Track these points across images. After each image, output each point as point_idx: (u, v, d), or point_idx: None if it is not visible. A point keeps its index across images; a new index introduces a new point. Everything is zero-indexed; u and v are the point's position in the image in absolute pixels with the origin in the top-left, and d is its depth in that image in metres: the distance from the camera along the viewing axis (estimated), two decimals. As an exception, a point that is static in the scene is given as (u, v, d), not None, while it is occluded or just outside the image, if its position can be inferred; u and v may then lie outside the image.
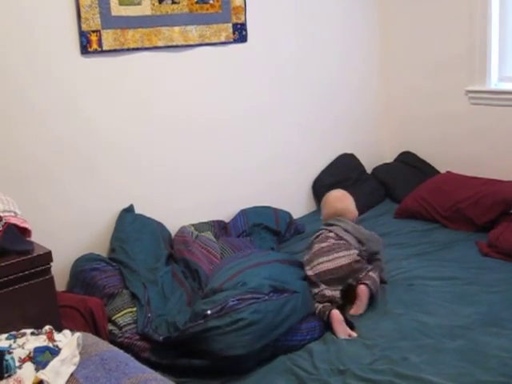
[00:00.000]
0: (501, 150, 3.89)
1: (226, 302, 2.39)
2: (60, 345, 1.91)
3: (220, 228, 3.52)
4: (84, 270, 2.91)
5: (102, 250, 3.13)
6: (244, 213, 3.61)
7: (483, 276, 2.97)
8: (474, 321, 2.55)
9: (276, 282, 2.60)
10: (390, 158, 4.52)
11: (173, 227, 3.37)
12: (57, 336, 1.96)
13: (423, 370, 2.22)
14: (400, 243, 3.46)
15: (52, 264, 2.22)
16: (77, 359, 1.87)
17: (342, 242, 2.92)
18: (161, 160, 3.33)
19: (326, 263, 2.83)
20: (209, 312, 2.36)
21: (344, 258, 2.82)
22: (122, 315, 2.63)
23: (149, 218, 3.23)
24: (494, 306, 2.66)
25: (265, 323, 2.36)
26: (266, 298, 2.47)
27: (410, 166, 4.33)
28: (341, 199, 3.19)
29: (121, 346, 2.37)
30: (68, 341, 1.93)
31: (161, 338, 2.41)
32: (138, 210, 3.25)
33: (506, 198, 3.47)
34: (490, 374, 2.17)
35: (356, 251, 2.87)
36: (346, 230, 2.99)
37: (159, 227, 3.25)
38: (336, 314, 2.61)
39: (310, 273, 2.85)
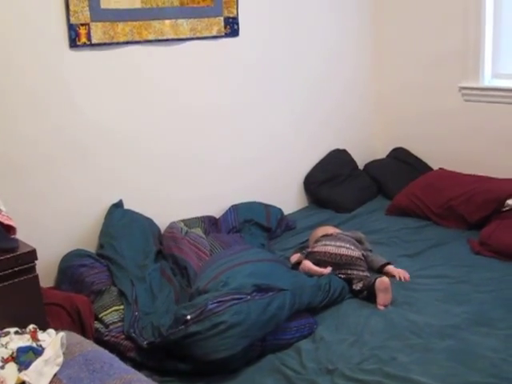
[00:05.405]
0: (494, 147, 3.88)
1: (206, 305, 2.35)
2: (44, 344, 1.88)
3: (210, 224, 3.49)
4: (72, 266, 2.88)
5: (91, 245, 3.10)
6: (235, 208, 3.58)
7: (474, 274, 2.96)
8: (464, 320, 2.54)
9: (260, 281, 2.56)
10: (382, 154, 4.49)
11: (163, 222, 3.33)
12: (41, 335, 1.93)
13: (412, 370, 2.21)
14: (391, 240, 3.45)
15: (39, 259, 2.19)
16: (60, 359, 1.84)
17: (351, 239, 3.11)
18: (151, 154, 3.30)
19: (329, 247, 3.00)
20: (188, 317, 2.32)
21: (347, 249, 2.99)
22: (109, 313, 2.60)
23: (138, 214, 3.20)
24: (485, 306, 2.65)
25: (248, 324, 2.32)
26: (249, 298, 2.43)
27: (403, 163, 4.31)
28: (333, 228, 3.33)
29: (107, 344, 2.35)
30: (52, 340, 1.90)
31: (145, 343, 2.38)
32: (128, 205, 3.22)
33: (499, 195, 3.46)
34: (479, 374, 2.16)
35: (361, 252, 3.03)
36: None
37: (148, 223, 3.22)
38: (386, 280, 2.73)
39: (310, 250, 3.06)
